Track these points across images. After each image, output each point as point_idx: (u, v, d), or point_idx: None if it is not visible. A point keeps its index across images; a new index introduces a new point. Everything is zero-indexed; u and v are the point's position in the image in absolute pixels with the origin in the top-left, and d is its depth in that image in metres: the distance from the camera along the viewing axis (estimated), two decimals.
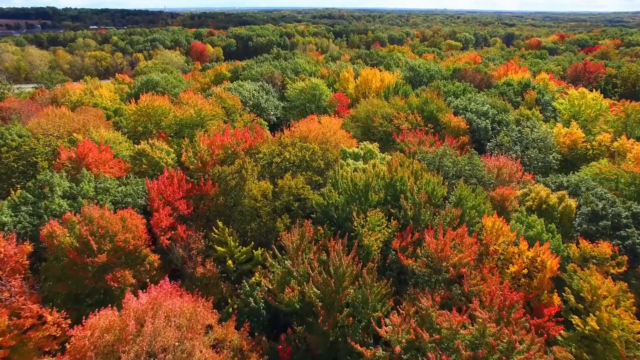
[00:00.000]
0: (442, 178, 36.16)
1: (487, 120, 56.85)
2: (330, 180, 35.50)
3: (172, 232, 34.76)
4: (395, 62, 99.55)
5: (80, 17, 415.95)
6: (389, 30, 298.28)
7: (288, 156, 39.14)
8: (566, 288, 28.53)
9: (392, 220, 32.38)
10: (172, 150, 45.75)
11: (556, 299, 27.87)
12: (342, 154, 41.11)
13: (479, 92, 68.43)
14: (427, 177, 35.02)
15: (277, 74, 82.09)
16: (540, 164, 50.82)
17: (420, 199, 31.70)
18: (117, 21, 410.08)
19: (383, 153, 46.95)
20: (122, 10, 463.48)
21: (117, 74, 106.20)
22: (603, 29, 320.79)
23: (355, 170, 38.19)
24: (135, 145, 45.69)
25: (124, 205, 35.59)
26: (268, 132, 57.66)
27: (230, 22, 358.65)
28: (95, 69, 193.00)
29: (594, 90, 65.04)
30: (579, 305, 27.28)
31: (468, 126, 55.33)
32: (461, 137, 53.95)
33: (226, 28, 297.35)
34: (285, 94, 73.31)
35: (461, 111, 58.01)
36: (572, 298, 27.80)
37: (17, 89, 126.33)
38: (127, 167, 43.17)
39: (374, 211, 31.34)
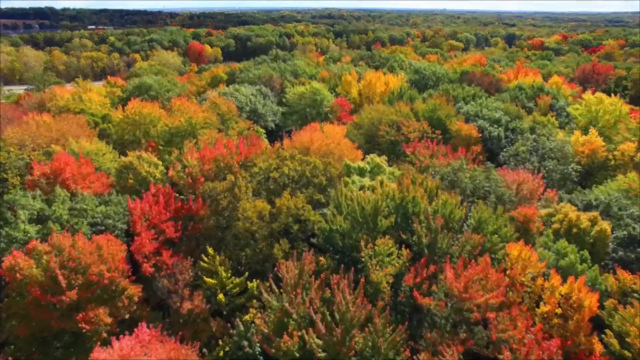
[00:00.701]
0: (459, 198, 32.35)
1: (500, 128, 53.09)
2: (333, 201, 31.69)
3: (157, 257, 31.03)
4: (399, 64, 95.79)
5: (79, 18, 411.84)
6: (390, 31, 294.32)
7: (286, 171, 35.34)
8: (607, 331, 24.76)
9: (403, 247, 28.59)
10: (161, 163, 41.94)
11: (597, 345, 24.08)
12: (346, 169, 37.26)
13: (488, 97, 64.62)
14: (444, 198, 31.22)
15: (275, 77, 78.32)
16: (558, 175, 47.08)
17: (436, 224, 27.90)
18: (116, 21, 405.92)
19: (390, 165, 43.15)
20: (121, 11, 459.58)
21: (109, 76, 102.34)
22: (606, 29, 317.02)
23: (361, 188, 34.39)
24: (122, 157, 41.89)
25: (103, 228, 31.85)
26: (265, 140, 53.92)
27: (229, 22, 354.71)
28: (92, 70, 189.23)
29: (612, 94, 61.16)
30: (625, 352, 23.51)
31: (480, 135, 51.53)
32: (473, 147, 50.20)
33: (225, 28, 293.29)
34: (284, 99, 69.57)
35: (472, 118, 54.21)
36: (615, 343, 24.03)
37: (8, 91, 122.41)
38: (111, 183, 39.41)
39: (383, 240, 27.55)
